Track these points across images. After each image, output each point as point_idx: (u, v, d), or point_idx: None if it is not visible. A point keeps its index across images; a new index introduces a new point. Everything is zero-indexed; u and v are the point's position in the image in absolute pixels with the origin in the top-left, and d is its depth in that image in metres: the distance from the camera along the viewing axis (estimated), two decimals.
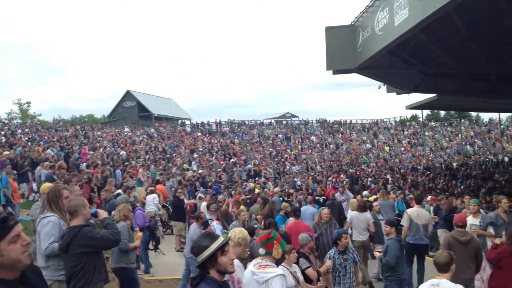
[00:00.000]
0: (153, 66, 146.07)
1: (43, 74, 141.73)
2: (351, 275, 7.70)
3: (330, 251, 7.95)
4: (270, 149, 45.17)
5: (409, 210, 11.08)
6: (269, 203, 13.20)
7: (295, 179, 29.96)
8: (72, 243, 5.14)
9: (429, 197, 15.06)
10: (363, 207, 11.35)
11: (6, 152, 18.96)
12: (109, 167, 20.73)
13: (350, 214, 11.83)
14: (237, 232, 5.11)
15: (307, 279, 6.93)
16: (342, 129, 56.48)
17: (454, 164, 38.34)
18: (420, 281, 9.37)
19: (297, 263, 6.80)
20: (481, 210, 11.07)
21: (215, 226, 10.41)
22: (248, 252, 5.77)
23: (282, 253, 5.25)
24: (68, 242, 5.16)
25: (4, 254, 2.51)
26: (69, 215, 5.47)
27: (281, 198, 15.93)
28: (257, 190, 19.11)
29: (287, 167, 37.79)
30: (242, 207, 13.30)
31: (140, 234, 9.04)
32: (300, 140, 51.30)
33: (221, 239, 3.78)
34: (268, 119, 62.73)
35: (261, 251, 4.70)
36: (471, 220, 9.77)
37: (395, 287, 7.97)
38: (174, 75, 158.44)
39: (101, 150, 29.08)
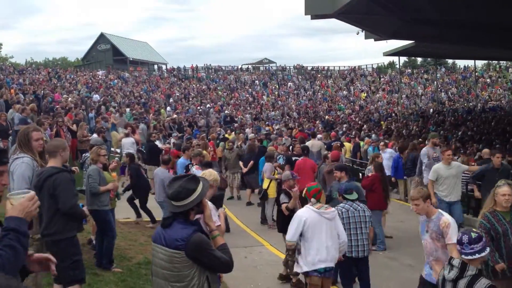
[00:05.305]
0: (128, 9, 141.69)
1: (14, 14, 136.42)
2: None
3: None
4: (247, 95, 44.95)
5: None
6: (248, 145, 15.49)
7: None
8: (47, 182, 5.16)
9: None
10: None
11: None
12: (82, 111, 20.48)
13: None
14: (207, 174, 5.21)
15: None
16: (319, 75, 56.27)
17: (430, 111, 38.86)
18: None
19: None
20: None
21: (195, 171, 9.96)
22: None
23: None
24: (44, 179, 5.17)
25: None
26: (48, 155, 5.45)
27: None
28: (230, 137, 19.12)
29: (264, 113, 37.78)
30: None
31: (114, 174, 8.73)
32: (277, 87, 51.08)
33: (204, 181, 3.83)
34: (246, 64, 62.14)
35: (313, 200, 6.09)
36: None
37: None
38: (149, 19, 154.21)
39: (75, 93, 28.56)
